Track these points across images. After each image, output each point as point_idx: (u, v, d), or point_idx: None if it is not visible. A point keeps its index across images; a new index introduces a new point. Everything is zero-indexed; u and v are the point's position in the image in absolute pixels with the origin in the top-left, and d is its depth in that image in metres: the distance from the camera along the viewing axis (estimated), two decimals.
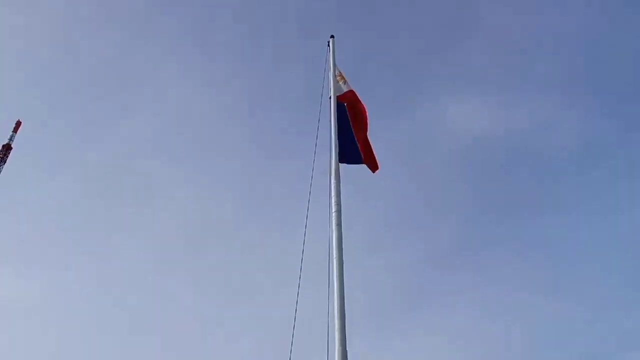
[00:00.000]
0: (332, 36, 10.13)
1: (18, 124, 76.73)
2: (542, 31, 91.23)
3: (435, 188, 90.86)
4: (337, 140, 8.95)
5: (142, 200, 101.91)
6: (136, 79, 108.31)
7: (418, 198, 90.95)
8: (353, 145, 9.33)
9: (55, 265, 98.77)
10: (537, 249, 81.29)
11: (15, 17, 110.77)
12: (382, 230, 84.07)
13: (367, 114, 9.45)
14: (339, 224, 7.35)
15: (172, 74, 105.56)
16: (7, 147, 75.23)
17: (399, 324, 74.48)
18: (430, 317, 75.75)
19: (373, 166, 9.40)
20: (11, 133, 75.99)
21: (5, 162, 74.45)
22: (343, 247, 7.10)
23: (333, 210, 7.54)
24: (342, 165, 8.49)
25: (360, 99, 9.57)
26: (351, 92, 9.66)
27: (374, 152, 9.37)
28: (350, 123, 9.40)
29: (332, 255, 7.01)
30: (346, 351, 6.04)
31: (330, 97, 9.24)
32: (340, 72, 9.84)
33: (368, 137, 9.40)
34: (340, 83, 9.70)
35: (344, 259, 6.96)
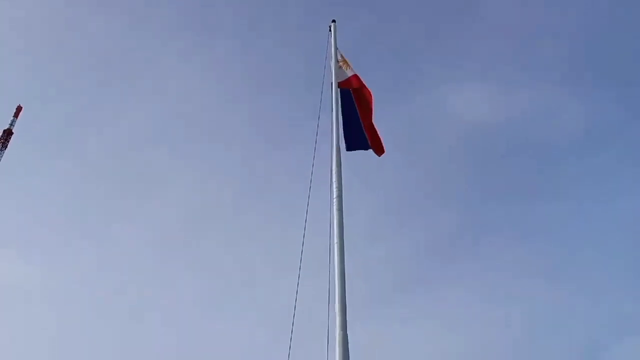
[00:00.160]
0: (333, 21, 10.07)
1: (19, 109, 76.63)
2: (545, 17, 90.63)
3: (436, 175, 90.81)
4: (343, 128, 9.06)
5: (143, 186, 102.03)
6: (136, 66, 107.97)
7: (418, 185, 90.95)
8: (359, 132, 9.36)
9: (56, 250, 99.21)
10: (538, 235, 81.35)
11: (16, 4, 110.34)
12: (383, 217, 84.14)
13: (372, 99, 9.44)
14: (340, 210, 7.37)
15: (172, 61, 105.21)
16: (8, 133, 75.19)
17: (399, 309, 74.81)
18: (431, 303, 76.05)
19: (379, 150, 9.44)
20: (12, 118, 75.99)
21: (6, 147, 74.48)
22: (344, 233, 7.13)
23: (334, 195, 7.56)
24: (343, 152, 8.50)
25: (365, 84, 9.56)
26: (355, 76, 9.63)
27: (380, 136, 9.40)
28: (357, 109, 9.43)
29: (333, 241, 7.04)
30: (347, 336, 6.08)
31: (331, 84, 9.21)
32: (342, 57, 9.79)
33: (373, 122, 9.41)
34: (344, 68, 9.66)
35: (344, 245, 6.99)
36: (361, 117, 9.40)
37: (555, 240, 79.95)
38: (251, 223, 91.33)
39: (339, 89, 9.22)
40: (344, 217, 7.33)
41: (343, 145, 8.69)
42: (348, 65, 9.72)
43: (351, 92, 9.46)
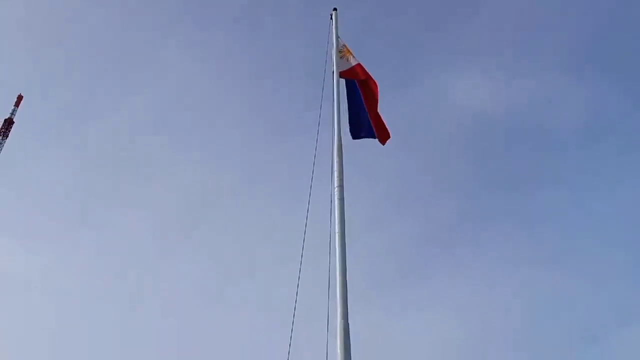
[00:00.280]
0: (334, 9, 9.99)
1: (20, 98, 76.63)
2: (547, 6, 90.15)
3: (437, 164, 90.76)
4: (349, 117, 9.24)
5: (143, 174, 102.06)
6: (137, 55, 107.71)
7: (419, 174, 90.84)
8: (365, 121, 9.42)
9: (57, 238, 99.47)
10: (538, 224, 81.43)
11: None
12: (384, 206, 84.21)
13: (377, 89, 9.47)
14: (341, 199, 7.36)
15: (173, 49, 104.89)
16: (9, 122, 75.21)
17: (400, 298, 75.09)
18: (431, 291, 76.31)
19: (384, 137, 9.45)
20: (13, 107, 75.98)
21: (7, 136, 74.52)
22: (345, 221, 7.13)
23: (335, 185, 7.55)
24: (345, 141, 8.48)
25: (370, 75, 9.56)
26: (359, 66, 9.61)
27: (387, 126, 9.44)
28: (363, 100, 9.47)
29: (334, 230, 7.04)
30: (348, 324, 6.09)
31: (333, 72, 9.17)
32: (344, 46, 9.72)
33: (379, 111, 9.45)
34: (347, 57, 9.61)
35: (346, 233, 6.99)
36: (367, 107, 9.44)
37: (555, 229, 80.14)
38: (252, 211, 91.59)
39: (341, 79, 9.19)
40: (345, 206, 7.32)
41: (345, 134, 8.67)
42: (350, 54, 9.68)
43: (357, 83, 9.50)
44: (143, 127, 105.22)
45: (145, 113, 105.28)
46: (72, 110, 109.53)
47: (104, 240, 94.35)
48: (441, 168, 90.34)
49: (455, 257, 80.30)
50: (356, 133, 9.36)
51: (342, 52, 9.61)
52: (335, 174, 7.69)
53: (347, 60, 9.55)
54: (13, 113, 75.88)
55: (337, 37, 9.70)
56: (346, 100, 9.43)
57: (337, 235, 6.96)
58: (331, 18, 9.93)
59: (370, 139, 9.49)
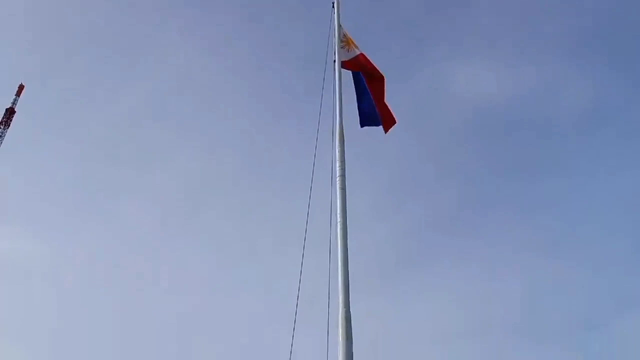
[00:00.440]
0: None
1: (21, 87, 76.46)
2: None
3: (439, 152, 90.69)
4: (357, 105, 9.42)
5: (146, 162, 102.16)
6: (137, 42, 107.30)
7: (421, 162, 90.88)
8: (372, 109, 9.51)
9: (59, 225, 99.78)
10: (539, 211, 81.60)
11: None
12: (386, 194, 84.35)
13: (384, 82, 9.58)
14: (343, 188, 7.36)
15: (174, 36, 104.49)
16: (11, 111, 75.12)
17: (401, 286, 75.36)
18: (433, 278, 76.57)
19: (388, 125, 9.50)
20: (14, 97, 75.86)
21: (9, 126, 74.45)
22: (347, 210, 7.13)
23: (337, 174, 7.54)
24: (347, 129, 8.48)
25: (375, 66, 9.59)
26: (362, 56, 9.62)
27: (391, 111, 9.54)
28: (369, 91, 9.54)
29: (336, 219, 7.04)
30: (350, 313, 6.10)
31: (334, 61, 9.13)
32: (345, 35, 9.67)
33: (386, 101, 9.55)
34: (348, 47, 9.59)
35: (347, 223, 6.99)
36: (374, 97, 9.50)
37: (555, 216, 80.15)
38: (253, 198, 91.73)
39: (343, 69, 9.19)
40: (346, 195, 7.32)
41: (346, 123, 8.66)
42: (352, 44, 9.65)
43: (362, 74, 9.56)
44: (144, 115, 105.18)
45: (147, 100, 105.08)
46: (74, 99, 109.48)
47: (106, 227, 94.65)
48: (443, 156, 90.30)
49: (456, 244, 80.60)
50: (363, 121, 9.53)
51: (343, 41, 9.58)
52: (337, 163, 7.68)
53: (348, 51, 9.53)
54: (14, 102, 75.80)
55: (339, 25, 9.65)
56: (353, 90, 9.61)
57: (338, 224, 6.96)
58: (333, 6, 9.88)
59: (374, 127, 9.59)
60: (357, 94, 9.62)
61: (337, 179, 7.49)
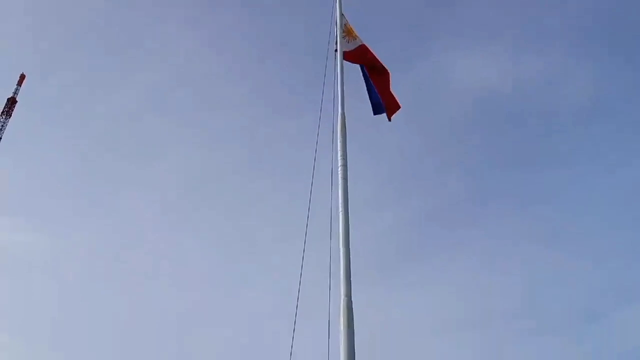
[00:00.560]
0: None
1: (22, 77, 76.36)
2: None
3: (441, 143, 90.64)
4: (369, 98, 9.64)
5: (146, 155, 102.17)
6: (139, 34, 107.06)
7: (423, 153, 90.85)
8: (377, 98, 9.68)
9: (60, 216, 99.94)
10: (540, 202, 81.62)
11: None
12: (387, 185, 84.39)
13: (389, 76, 9.67)
14: (344, 178, 7.38)
15: (175, 29, 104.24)
16: (12, 101, 75.07)
17: (403, 276, 75.53)
18: (433, 269, 76.77)
19: (392, 110, 9.60)
20: (15, 86, 75.78)
21: (10, 115, 74.42)
22: (349, 201, 7.15)
23: (339, 164, 7.56)
24: (348, 120, 8.49)
25: (376, 56, 9.63)
26: (364, 47, 9.63)
27: (396, 98, 9.65)
28: (372, 83, 9.61)
29: (338, 209, 7.07)
30: (351, 302, 6.15)
31: (335, 51, 9.11)
32: (345, 25, 9.64)
33: (391, 90, 9.69)
34: (349, 38, 9.58)
35: (349, 213, 7.02)
36: (378, 89, 9.61)
37: (556, 208, 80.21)
38: (254, 190, 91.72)
39: (344, 60, 9.21)
40: (348, 185, 7.35)
41: (347, 113, 8.68)
42: (353, 35, 9.64)
43: (364, 68, 9.64)
44: (145, 107, 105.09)
45: (147, 92, 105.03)
46: (75, 90, 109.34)
47: (107, 220, 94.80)
48: (444, 148, 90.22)
49: (456, 235, 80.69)
50: (375, 110, 9.78)
51: (344, 32, 9.57)
52: (339, 153, 7.70)
53: (348, 42, 9.53)
54: (16, 92, 75.73)
55: (342, 14, 9.63)
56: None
57: (340, 214, 6.99)
58: None
59: (376, 118, 9.76)
60: (366, 86, 9.76)
61: (339, 169, 7.51)
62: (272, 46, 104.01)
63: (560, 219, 78.68)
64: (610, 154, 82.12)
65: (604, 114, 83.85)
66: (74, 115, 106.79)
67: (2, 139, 72.93)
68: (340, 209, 7.05)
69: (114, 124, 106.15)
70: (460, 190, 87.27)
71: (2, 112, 73.92)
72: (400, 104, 9.65)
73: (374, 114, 9.78)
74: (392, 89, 9.68)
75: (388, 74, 9.73)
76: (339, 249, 6.63)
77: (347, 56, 9.35)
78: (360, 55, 9.62)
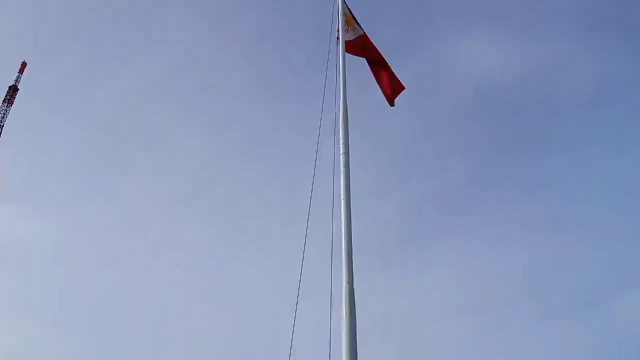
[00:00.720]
0: None
1: (23, 65, 76.21)
2: None
3: (443, 128, 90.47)
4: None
5: (150, 141, 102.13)
6: (141, 19, 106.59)
7: (425, 140, 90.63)
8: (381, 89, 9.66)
9: (64, 204, 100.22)
10: (541, 188, 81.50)
11: None
12: (388, 172, 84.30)
13: (386, 61, 9.65)
14: (347, 165, 7.40)
15: (177, 13, 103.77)
16: (14, 89, 75.00)
17: (403, 262, 75.74)
18: (434, 255, 76.94)
19: (396, 94, 9.58)
20: (17, 74, 75.66)
21: (12, 103, 74.39)
22: (351, 188, 7.18)
23: (341, 152, 7.58)
24: (350, 108, 8.50)
25: (375, 46, 9.60)
26: (365, 38, 9.60)
27: (398, 78, 9.62)
28: (374, 75, 9.61)
29: (340, 197, 7.10)
30: (353, 289, 6.20)
31: (337, 38, 9.10)
32: (347, 14, 9.60)
33: (391, 73, 9.65)
34: (350, 26, 9.55)
35: (351, 200, 7.05)
36: (377, 78, 9.63)
37: (558, 193, 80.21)
38: (257, 176, 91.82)
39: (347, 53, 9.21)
40: (350, 172, 7.37)
41: (349, 100, 8.69)
42: (353, 24, 9.60)
43: (367, 61, 9.67)
44: (149, 92, 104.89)
45: (151, 79, 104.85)
46: (77, 77, 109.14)
47: (110, 206, 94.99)
48: (446, 133, 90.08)
49: (457, 221, 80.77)
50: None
51: (346, 21, 9.53)
52: (341, 140, 7.72)
53: (347, 31, 9.48)
54: (17, 80, 75.65)
55: (344, 1, 9.61)
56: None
57: (342, 201, 7.02)
58: None
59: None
60: (375, 79, 9.76)
61: (341, 156, 7.53)
62: (277, 30, 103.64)
63: (561, 205, 78.72)
64: (612, 141, 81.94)
65: (606, 101, 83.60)
66: (76, 101, 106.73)
67: (4, 127, 73.05)
68: (342, 196, 7.09)
69: (116, 109, 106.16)
70: (461, 176, 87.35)
71: (4, 100, 73.88)
72: (404, 85, 9.59)
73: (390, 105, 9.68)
74: (394, 71, 9.64)
75: (386, 62, 9.66)
76: (340, 235, 6.68)
77: (349, 47, 9.30)
78: (360, 46, 9.59)
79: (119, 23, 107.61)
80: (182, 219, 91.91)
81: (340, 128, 7.86)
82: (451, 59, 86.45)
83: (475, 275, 72.96)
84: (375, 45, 9.65)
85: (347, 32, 9.49)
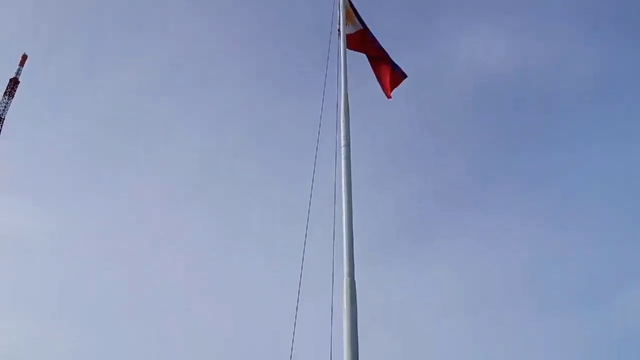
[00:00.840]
0: None
1: (24, 57, 76.17)
2: None
3: (443, 122, 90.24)
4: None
5: (150, 136, 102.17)
6: (142, 13, 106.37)
7: (426, 133, 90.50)
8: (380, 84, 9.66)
9: (65, 197, 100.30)
10: (542, 183, 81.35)
11: None
12: (388, 165, 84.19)
13: (383, 55, 9.62)
14: (347, 158, 7.38)
15: (176, 8, 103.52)
16: (15, 81, 74.95)
17: (402, 256, 75.80)
18: (434, 249, 77.03)
19: (394, 85, 9.56)
20: (18, 67, 75.61)
21: (13, 96, 74.37)
22: (352, 181, 7.16)
23: (342, 144, 7.55)
24: (351, 100, 8.47)
25: (374, 41, 9.56)
26: (362, 32, 9.57)
27: (397, 72, 9.60)
28: (374, 72, 9.61)
29: (341, 189, 7.08)
30: (354, 282, 6.19)
31: (339, 30, 9.06)
32: (347, 7, 9.55)
33: (388, 67, 9.62)
34: (350, 20, 9.51)
35: (352, 193, 7.03)
36: (376, 72, 9.61)
37: (559, 188, 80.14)
38: (257, 169, 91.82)
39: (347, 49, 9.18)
40: (351, 165, 7.35)
41: (350, 93, 8.66)
42: (353, 18, 9.56)
43: (368, 58, 9.66)
44: (150, 86, 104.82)
45: (152, 72, 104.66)
46: (78, 70, 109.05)
47: (111, 201, 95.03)
48: (446, 127, 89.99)
49: (458, 216, 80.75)
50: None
51: (350, 17, 9.51)
52: (342, 133, 7.69)
53: (347, 25, 9.44)
54: (18, 73, 75.60)
55: None
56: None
57: (343, 194, 7.00)
58: None
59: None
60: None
61: (342, 148, 7.50)
62: (277, 23, 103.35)
63: (563, 201, 78.71)
64: (613, 137, 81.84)
65: (607, 96, 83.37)
66: (77, 96, 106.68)
67: (5, 120, 72.98)
68: (343, 189, 7.07)
69: (117, 103, 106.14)
70: (462, 170, 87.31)
71: (5, 92, 73.86)
72: (406, 73, 9.57)
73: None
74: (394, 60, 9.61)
75: (386, 55, 9.62)
76: (341, 228, 6.67)
77: (350, 41, 9.26)
78: (360, 40, 9.55)
79: (119, 18, 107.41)
80: (182, 213, 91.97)
81: (341, 120, 7.83)
82: (452, 54, 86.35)
83: (475, 270, 73.06)
84: (375, 38, 9.61)
85: (347, 25, 9.45)
